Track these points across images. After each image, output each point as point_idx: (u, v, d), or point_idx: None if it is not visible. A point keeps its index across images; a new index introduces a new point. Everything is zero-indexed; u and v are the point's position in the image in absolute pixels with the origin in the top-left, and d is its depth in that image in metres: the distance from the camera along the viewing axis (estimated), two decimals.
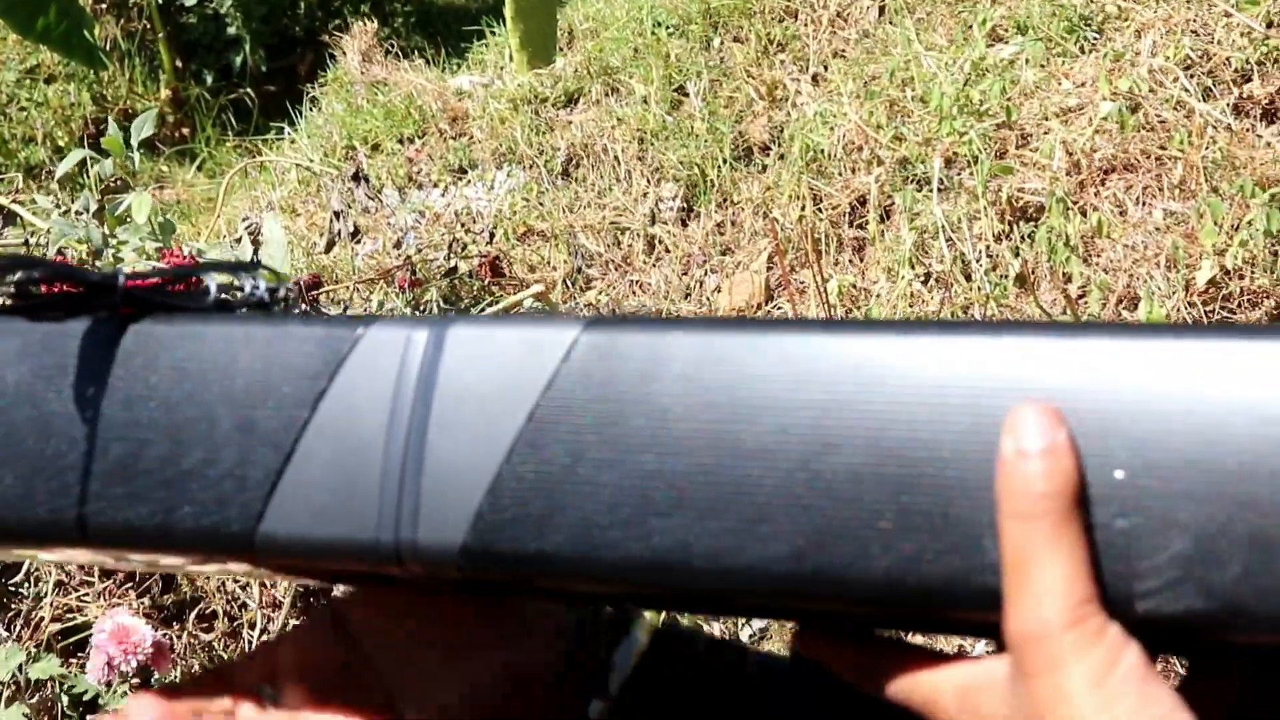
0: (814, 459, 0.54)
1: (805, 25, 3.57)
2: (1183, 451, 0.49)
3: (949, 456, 0.52)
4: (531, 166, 3.51)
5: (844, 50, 3.45)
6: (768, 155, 3.29)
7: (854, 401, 0.54)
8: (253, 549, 0.60)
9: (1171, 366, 0.50)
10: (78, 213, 2.94)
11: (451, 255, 3.01)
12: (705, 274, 3.15)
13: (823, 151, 3.05)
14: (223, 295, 0.66)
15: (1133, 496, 0.50)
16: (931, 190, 2.74)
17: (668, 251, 3.20)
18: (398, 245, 3.11)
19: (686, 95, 3.52)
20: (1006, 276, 2.53)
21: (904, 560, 0.52)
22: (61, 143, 5.90)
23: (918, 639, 0.63)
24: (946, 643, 1.98)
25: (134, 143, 2.97)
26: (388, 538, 0.58)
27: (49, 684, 2.35)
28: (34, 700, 2.40)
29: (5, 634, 2.68)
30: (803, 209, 3.02)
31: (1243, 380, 0.49)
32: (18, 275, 0.61)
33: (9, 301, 0.63)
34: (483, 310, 3.01)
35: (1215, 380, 0.50)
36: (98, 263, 2.83)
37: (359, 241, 3.19)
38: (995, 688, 0.53)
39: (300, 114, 4.44)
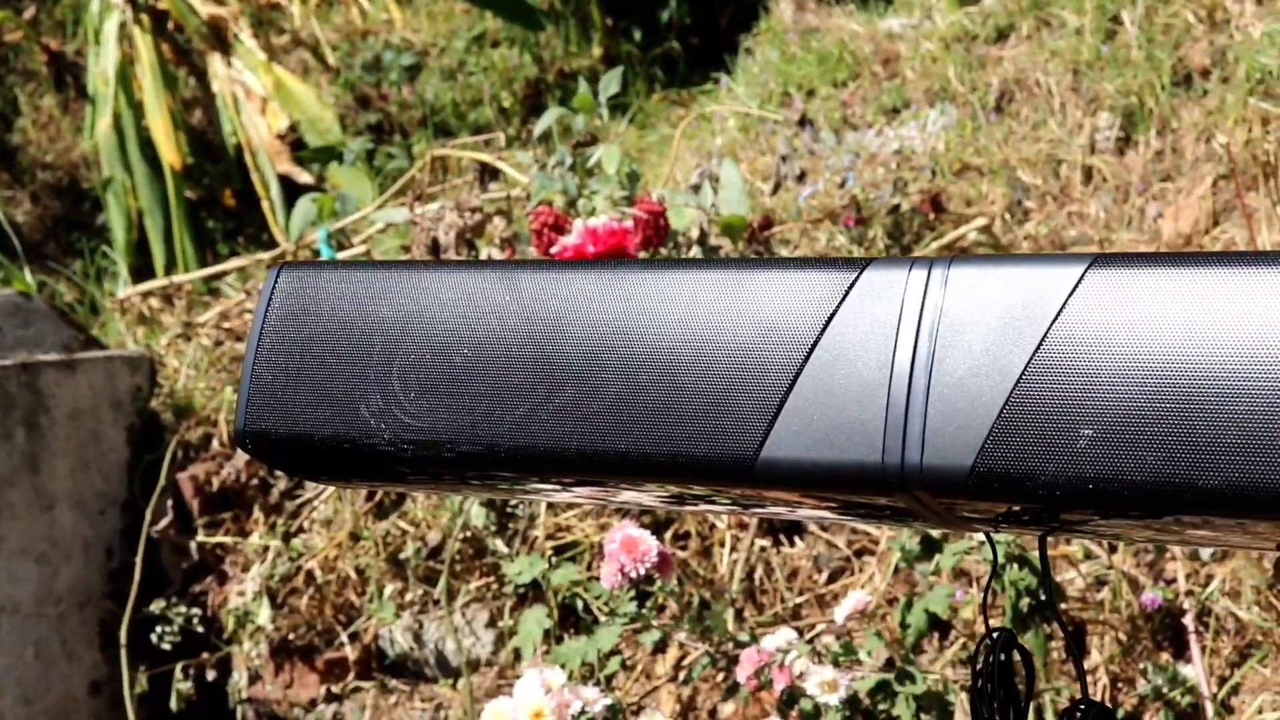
0: None
1: None
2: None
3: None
4: (964, 104, 3.60)
5: None
6: (1209, 80, 3.26)
7: None
8: (753, 475, 0.65)
9: None
10: (554, 166, 3.25)
11: (896, 193, 3.14)
12: (1146, 202, 3.16)
13: (1270, 73, 3.01)
14: None
15: None
16: None
17: (1105, 181, 3.23)
18: (842, 185, 3.27)
19: (1121, 24, 3.52)
20: None
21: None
22: (505, 104, 6.33)
23: None
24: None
25: (602, 100, 3.26)
26: (894, 461, 0.61)
27: (561, 589, 2.61)
28: (554, 601, 2.72)
29: (507, 549, 3.03)
30: (1249, 132, 2.99)
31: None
32: None
33: None
34: (927, 244, 3.14)
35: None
36: (572, 211, 3.13)
37: (804, 184, 3.37)
38: None
39: (735, 64, 4.66)
